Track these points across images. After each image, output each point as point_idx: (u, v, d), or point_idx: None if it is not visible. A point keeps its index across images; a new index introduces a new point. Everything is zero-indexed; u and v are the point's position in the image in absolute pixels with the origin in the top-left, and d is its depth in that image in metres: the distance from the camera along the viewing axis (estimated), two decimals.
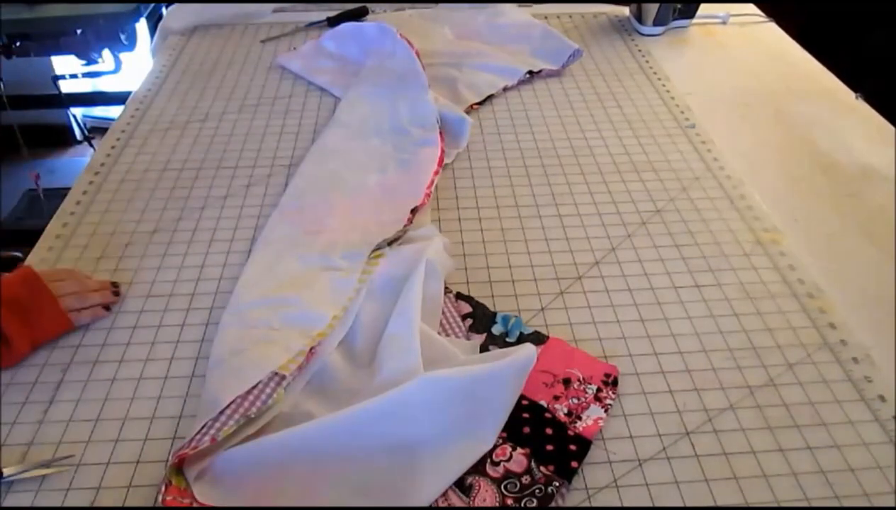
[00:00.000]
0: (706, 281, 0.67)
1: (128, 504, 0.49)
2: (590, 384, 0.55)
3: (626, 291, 0.66)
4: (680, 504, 0.49)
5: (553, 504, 0.47)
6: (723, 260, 0.69)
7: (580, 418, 0.53)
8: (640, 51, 1.09)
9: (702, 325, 0.62)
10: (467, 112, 0.93)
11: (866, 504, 0.49)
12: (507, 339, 0.59)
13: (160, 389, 0.56)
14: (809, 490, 0.49)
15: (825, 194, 0.78)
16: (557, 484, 0.48)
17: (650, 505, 0.48)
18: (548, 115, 0.93)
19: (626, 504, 0.48)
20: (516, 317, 0.61)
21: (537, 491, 0.48)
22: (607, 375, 0.56)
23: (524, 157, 0.85)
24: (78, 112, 2.05)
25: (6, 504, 0.48)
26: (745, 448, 0.52)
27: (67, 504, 0.48)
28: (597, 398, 0.54)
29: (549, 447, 0.51)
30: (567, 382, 0.55)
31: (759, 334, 0.61)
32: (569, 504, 0.48)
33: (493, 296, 0.65)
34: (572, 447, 0.51)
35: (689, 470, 0.51)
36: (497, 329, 0.60)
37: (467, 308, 0.62)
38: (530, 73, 1.00)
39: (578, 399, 0.54)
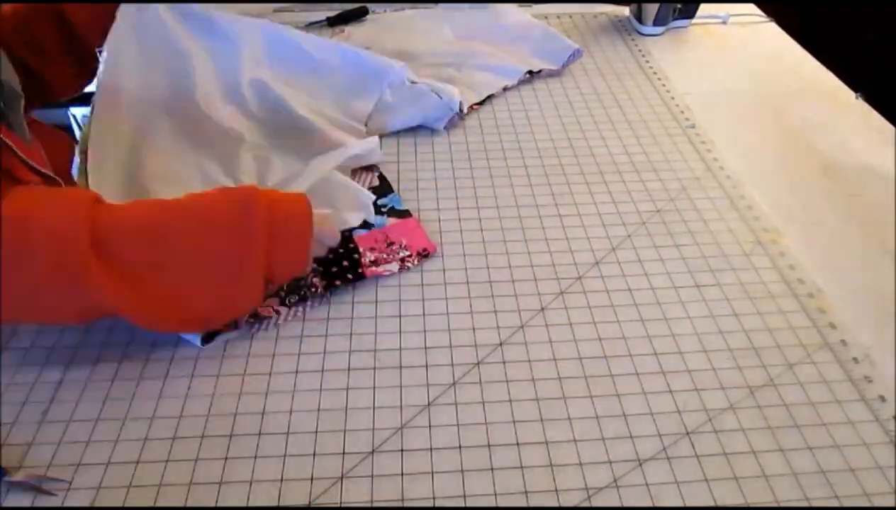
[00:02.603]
0: (706, 281, 0.67)
1: (128, 504, 0.49)
2: (404, 249, 0.69)
3: (626, 291, 0.66)
4: (680, 504, 0.49)
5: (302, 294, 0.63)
6: (723, 260, 0.69)
7: (376, 265, 0.67)
8: (640, 51, 1.09)
9: (702, 325, 0.62)
10: (467, 112, 0.93)
11: (866, 504, 0.49)
12: (382, 209, 0.75)
13: (160, 389, 0.57)
14: (809, 490, 0.49)
15: (825, 194, 0.79)
16: (314, 281, 0.65)
17: (650, 505, 0.48)
18: (548, 115, 0.93)
19: (626, 504, 0.49)
20: (397, 197, 0.76)
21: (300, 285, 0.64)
22: (424, 250, 0.69)
23: (524, 157, 0.85)
24: (78, 112, 2.05)
25: (6, 504, 0.48)
26: (745, 448, 0.52)
27: (67, 504, 0.49)
28: (401, 259, 0.68)
29: (334, 269, 0.66)
30: (390, 244, 0.70)
31: (759, 334, 0.61)
32: (569, 504, 0.48)
33: (493, 296, 0.65)
34: (349, 275, 0.66)
35: (689, 470, 0.51)
36: (382, 201, 0.76)
37: (376, 181, 0.79)
38: (530, 73, 1.00)
39: (387, 255, 0.68)
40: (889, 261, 0.69)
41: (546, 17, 1.17)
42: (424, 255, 0.69)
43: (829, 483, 0.50)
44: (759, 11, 1.20)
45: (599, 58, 1.07)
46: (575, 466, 0.51)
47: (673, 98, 0.96)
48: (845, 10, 1.47)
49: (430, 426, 0.54)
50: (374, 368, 0.58)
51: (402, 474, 0.50)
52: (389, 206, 0.75)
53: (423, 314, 0.63)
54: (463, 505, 0.49)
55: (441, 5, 1.19)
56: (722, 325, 0.62)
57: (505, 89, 0.98)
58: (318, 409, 0.55)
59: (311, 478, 0.50)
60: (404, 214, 0.74)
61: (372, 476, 0.50)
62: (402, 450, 0.52)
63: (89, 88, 0.78)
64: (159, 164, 0.76)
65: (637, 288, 0.66)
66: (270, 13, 1.21)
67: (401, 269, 0.67)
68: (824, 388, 0.57)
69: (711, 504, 0.49)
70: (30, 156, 0.59)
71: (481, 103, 0.95)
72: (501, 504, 0.49)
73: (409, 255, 0.68)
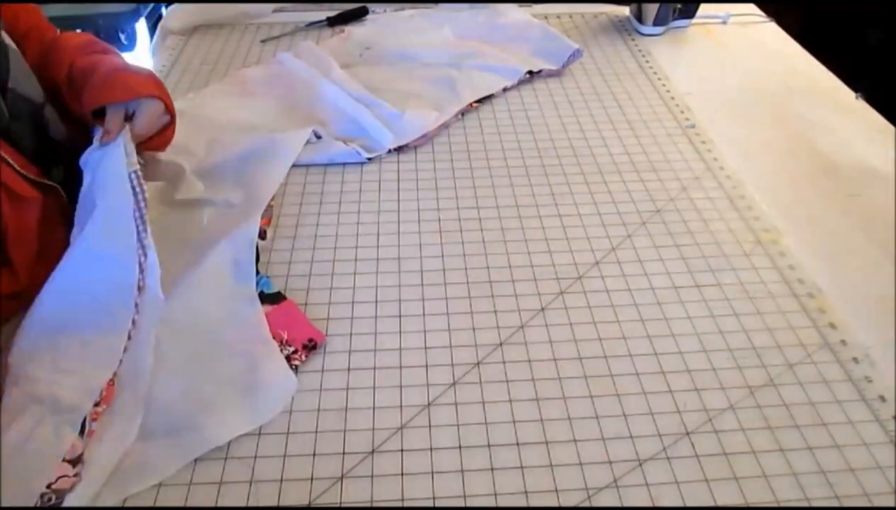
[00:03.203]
0: (706, 281, 0.67)
1: (128, 504, 0.49)
2: (290, 346, 0.59)
3: (626, 291, 0.66)
4: (680, 504, 0.49)
5: None
6: (723, 260, 0.69)
7: None
8: (640, 51, 1.09)
9: (702, 325, 0.62)
10: (467, 112, 0.93)
11: (866, 504, 0.49)
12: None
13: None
14: (809, 490, 0.49)
15: (825, 194, 0.78)
16: None
17: (650, 505, 0.48)
18: (548, 115, 0.93)
19: (626, 504, 0.48)
20: (266, 277, 0.66)
21: None
22: (310, 340, 0.60)
23: (524, 157, 0.85)
24: None
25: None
26: (745, 448, 0.52)
27: (67, 504, 0.48)
28: (288, 357, 0.58)
29: None
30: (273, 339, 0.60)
31: (759, 334, 0.61)
32: (569, 504, 0.48)
33: (493, 296, 0.65)
34: None
35: (689, 470, 0.51)
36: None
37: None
38: (530, 73, 1.00)
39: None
40: (889, 262, 0.69)
41: (546, 17, 1.17)
42: (312, 346, 0.59)
43: (829, 483, 0.50)
44: (759, 11, 1.20)
45: (599, 58, 1.07)
46: (575, 466, 0.51)
47: (673, 98, 0.96)
48: (845, 10, 1.47)
49: (430, 426, 0.54)
50: (374, 368, 0.58)
51: (402, 474, 0.50)
52: (259, 289, 0.64)
53: (423, 314, 0.63)
54: (463, 505, 0.49)
55: (441, 5, 1.19)
56: (722, 325, 0.62)
57: (505, 89, 0.98)
58: (318, 409, 0.55)
59: (311, 478, 0.50)
60: (277, 298, 0.64)
61: (372, 476, 0.50)
62: (402, 450, 0.52)
63: None
64: None
65: (637, 288, 0.66)
66: (270, 13, 1.21)
67: (294, 370, 0.58)
68: (824, 388, 0.57)
69: (711, 504, 0.49)
70: (26, 167, 0.60)
71: (481, 103, 0.95)
72: (501, 504, 0.49)
73: (295, 352, 0.59)
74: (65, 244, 0.61)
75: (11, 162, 0.58)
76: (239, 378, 0.56)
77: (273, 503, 0.49)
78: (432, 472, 0.50)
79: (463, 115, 0.92)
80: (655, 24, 1.13)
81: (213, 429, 0.52)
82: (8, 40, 0.64)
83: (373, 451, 0.52)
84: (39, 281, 0.59)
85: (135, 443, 0.51)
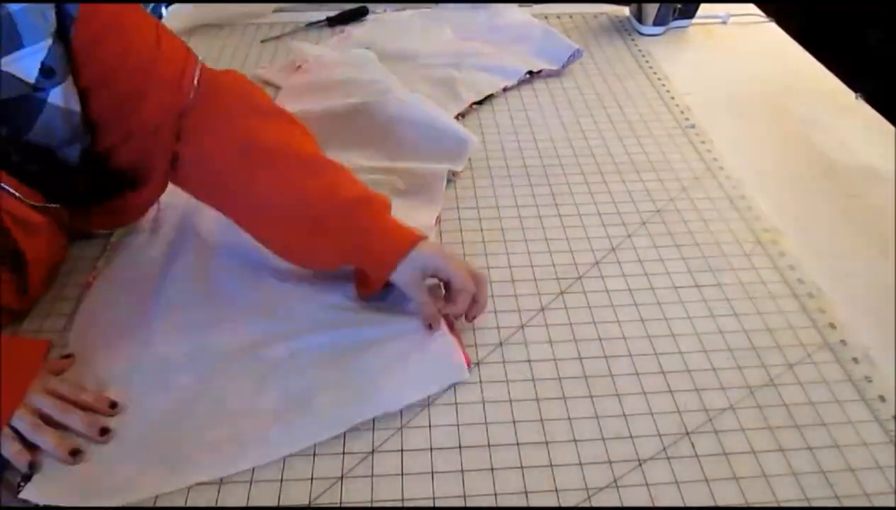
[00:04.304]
0: (706, 281, 0.67)
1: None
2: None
3: (626, 291, 0.66)
4: (680, 504, 0.49)
5: None
6: (723, 260, 0.69)
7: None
8: (640, 51, 1.09)
9: (702, 325, 0.62)
10: (467, 112, 0.93)
11: (866, 504, 0.49)
12: None
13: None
14: (809, 490, 0.49)
15: (825, 194, 0.78)
16: None
17: (650, 505, 0.48)
18: (548, 114, 0.93)
19: (626, 504, 0.48)
20: None
21: None
22: None
23: (524, 157, 0.85)
24: None
25: (6, 504, 0.48)
26: (745, 448, 0.52)
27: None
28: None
29: None
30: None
31: (759, 334, 0.61)
32: (569, 504, 0.48)
33: (493, 296, 0.65)
34: None
35: (689, 470, 0.51)
36: None
37: None
38: (530, 73, 1.00)
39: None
40: (889, 262, 0.69)
41: (546, 17, 1.17)
42: None
43: (829, 483, 0.50)
44: (759, 11, 1.20)
45: (599, 58, 1.07)
46: (575, 466, 0.51)
47: (673, 98, 0.96)
48: (845, 9, 1.46)
49: (430, 426, 0.53)
50: None
51: (402, 474, 0.50)
52: None
53: None
54: (463, 505, 0.48)
55: (441, 5, 1.19)
56: (722, 325, 0.62)
57: (505, 89, 0.98)
58: None
59: (311, 478, 0.50)
60: None
61: (372, 476, 0.50)
62: (402, 451, 0.52)
63: None
64: None
65: (637, 288, 0.66)
66: (270, 13, 1.21)
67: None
68: (824, 388, 0.57)
69: (711, 504, 0.48)
70: (32, 197, 0.58)
71: (481, 103, 0.95)
72: (501, 504, 0.49)
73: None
74: (64, 254, 0.62)
75: (19, 195, 0.56)
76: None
77: (273, 503, 0.49)
78: (432, 472, 0.50)
79: (463, 115, 0.92)
80: (655, 24, 1.13)
81: (385, 393, 0.55)
82: (58, 101, 0.54)
83: (373, 451, 0.52)
84: (41, 294, 0.61)
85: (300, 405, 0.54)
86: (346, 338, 0.59)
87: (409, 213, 0.67)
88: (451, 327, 0.60)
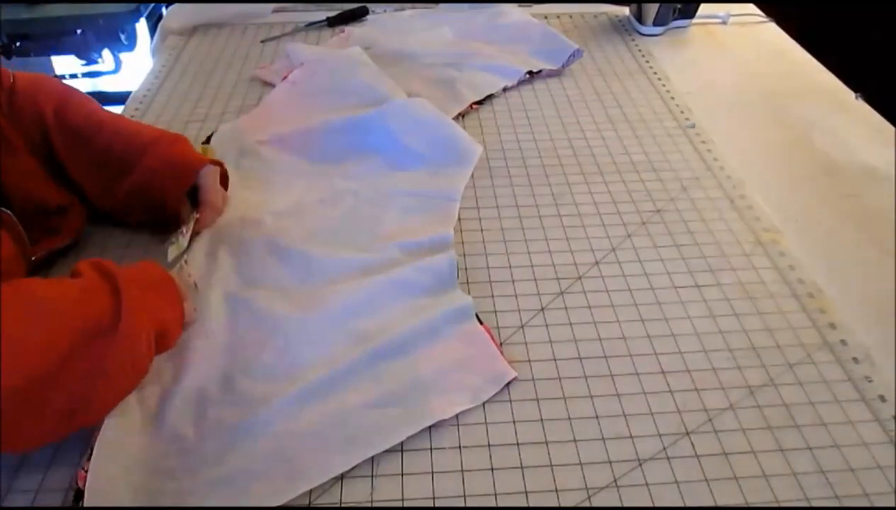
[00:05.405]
0: (706, 281, 0.67)
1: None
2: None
3: (626, 291, 0.66)
4: (680, 504, 0.49)
5: None
6: (723, 260, 0.69)
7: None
8: (640, 51, 1.09)
9: (702, 325, 0.62)
10: (467, 112, 0.93)
11: (866, 504, 0.49)
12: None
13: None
14: (809, 490, 0.49)
15: (825, 194, 0.78)
16: None
17: (650, 505, 0.48)
18: (548, 114, 0.93)
19: (626, 504, 0.49)
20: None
21: None
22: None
23: (524, 157, 0.85)
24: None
25: (6, 504, 0.48)
26: (745, 448, 0.52)
27: (67, 503, 0.48)
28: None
29: None
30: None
31: (759, 334, 0.61)
32: (569, 504, 0.48)
33: (493, 296, 0.65)
34: None
35: (689, 470, 0.51)
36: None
37: None
38: (530, 73, 1.00)
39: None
40: (889, 262, 0.69)
41: (546, 17, 1.17)
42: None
43: (829, 483, 0.50)
44: (759, 11, 1.20)
45: (599, 58, 1.07)
46: (575, 466, 0.51)
47: (673, 98, 0.96)
48: (845, 9, 1.46)
49: (429, 426, 0.53)
50: None
51: (402, 474, 0.50)
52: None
53: None
54: (463, 505, 0.49)
55: (441, 5, 1.19)
56: (722, 325, 0.62)
57: (505, 89, 0.98)
58: None
59: None
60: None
61: (372, 476, 0.50)
62: (402, 451, 0.52)
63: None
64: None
65: (637, 288, 0.66)
66: (270, 13, 1.21)
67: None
68: (824, 388, 0.57)
69: (711, 504, 0.49)
70: None
71: (481, 103, 0.95)
72: (501, 504, 0.49)
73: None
74: (19, 261, 0.61)
75: None
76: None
77: None
78: (432, 472, 0.50)
79: (463, 116, 0.92)
80: (655, 24, 1.13)
81: (436, 402, 0.54)
82: None
83: None
84: None
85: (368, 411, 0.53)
86: (388, 354, 0.58)
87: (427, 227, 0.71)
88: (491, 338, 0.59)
